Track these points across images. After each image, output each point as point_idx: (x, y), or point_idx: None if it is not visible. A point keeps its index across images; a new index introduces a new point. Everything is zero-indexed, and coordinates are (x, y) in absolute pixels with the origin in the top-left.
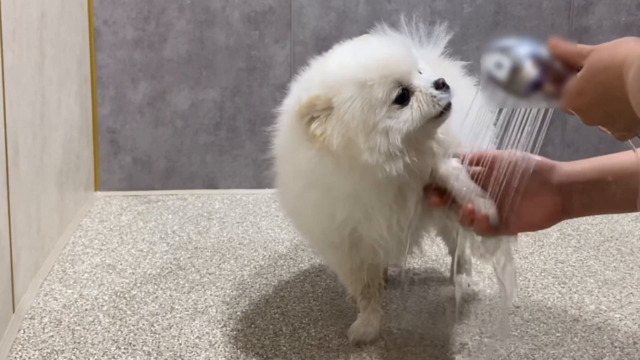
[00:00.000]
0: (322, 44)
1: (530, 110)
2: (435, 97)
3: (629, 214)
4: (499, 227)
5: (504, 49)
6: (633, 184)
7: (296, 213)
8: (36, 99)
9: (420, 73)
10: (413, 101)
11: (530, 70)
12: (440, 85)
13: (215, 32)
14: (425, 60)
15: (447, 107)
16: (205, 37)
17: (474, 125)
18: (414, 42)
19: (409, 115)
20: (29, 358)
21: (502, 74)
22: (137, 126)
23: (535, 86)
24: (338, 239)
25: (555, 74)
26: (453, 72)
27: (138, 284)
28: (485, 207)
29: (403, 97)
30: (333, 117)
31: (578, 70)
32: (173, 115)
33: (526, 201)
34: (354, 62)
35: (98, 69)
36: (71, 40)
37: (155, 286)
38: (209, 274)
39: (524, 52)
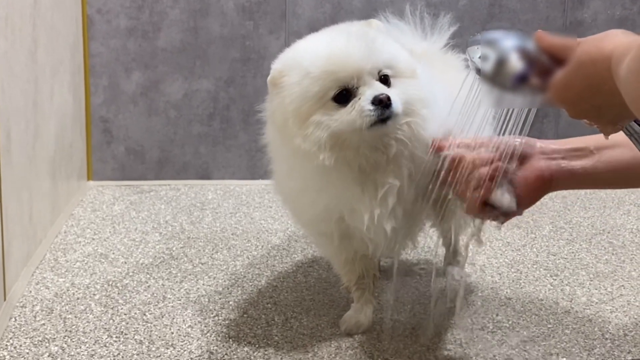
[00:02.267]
0: None
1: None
2: (364, 110)
3: (620, 207)
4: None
5: (490, 42)
6: (615, 155)
7: (285, 200)
8: (29, 87)
9: (385, 77)
10: (349, 105)
11: (515, 63)
12: (377, 102)
13: (209, 21)
14: (423, 54)
15: (379, 121)
16: (199, 27)
17: (464, 116)
18: (416, 33)
19: (341, 117)
20: (20, 346)
21: (488, 67)
22: (130, 116)
23: (521, 79)
24: (325, 227)
25: (542, 67)
26: (454, 65)
27: (130, 273)
28: (504, 197)
29: (342, 97)
30: (279, 96)
31: (564, 64)
32: (166, 105)
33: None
34: (312, 50)
35: (91, 57)
36: (64, 28)
37: (148, 275)
38: (202, 264)
39: (509, 44)
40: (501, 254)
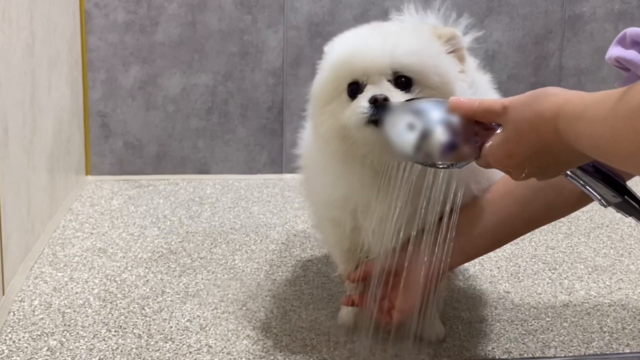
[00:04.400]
0: (315, 29)
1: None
2: (359, 107)
3: None
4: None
5: (416, 113)
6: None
7: (308, 176)
8: (26, 81)
9: (404, 80)
10: (355, 101)
11: (441, 134)
12: (373, 100)
13: (207, 15)
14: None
15: (371, 122)
16: (197, 21)
17: None
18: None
19: (347, 112)
20: (19, 340)
21: (412, 139)
22: (128, 110)
23: (451, 147)
24: (339, 215)
25: (466, 134)
26: (470, 67)
27: (129, 268)
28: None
29: (354, 92)
30: (315, 79)
31: (489, 127)
32: (164, 100)
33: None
34: (344, 40)
35: (89, 52)
36: (62, 22)
37: (146, 270)
38: (200, 258)
39: (434, 116)
40: (500, 248)
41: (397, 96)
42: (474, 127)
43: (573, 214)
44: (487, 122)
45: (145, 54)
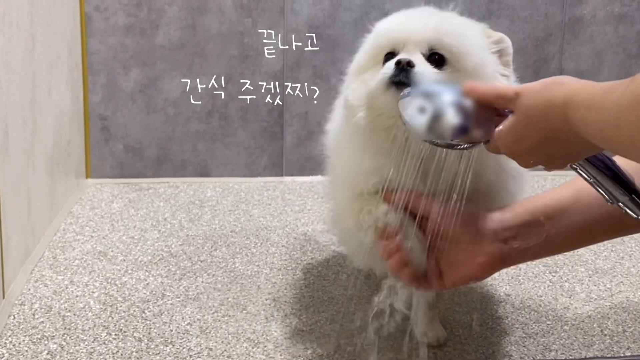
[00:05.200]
0: (316, 32)
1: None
2: (384, 70)
3: None
4: (431, 280)
5: (426, 95)
6: (565, 222)
7: (335, 148)
8: (26, 83)
9: (438, 58)
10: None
11: (452, 116)
12: (397, 63)
13: (207, 19)
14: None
15: (392, 83)
16: (197, 24)
17: None
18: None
19: (374, 79)
20: (19, 344)
21: (424, 120)
22: (128, 113)
23: (462, 131)
24: (366, 188)
25: (479, 118)
26: (512, 78)
27: (129, 271)
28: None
29: (387, 61)
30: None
31: (501, 113)
32: (165, 103)
33: (461, 252)
34: (392, 16)
35: (89, 55)
36: (62, 25)
37: (147, 273)
38: (201, 261)
39: (446, 98)
40: None
41: (424, 67)
42: (487, 112)
43: None
44: (500, 107)
45: (145, 57)
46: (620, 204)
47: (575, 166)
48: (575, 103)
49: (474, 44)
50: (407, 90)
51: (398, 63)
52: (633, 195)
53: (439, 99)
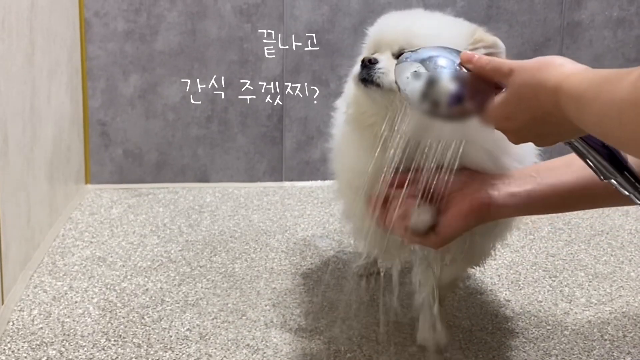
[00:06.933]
0: (315, 37)
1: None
2: (354, 70)
3: (618, 208)
4: (428, 234)
5: (423, 60)
6: (554, 179)
7: (337, 148)
8: (26, 89)
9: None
10: None
11: (448, 83)
12: (362, 61)
13: (207, 24)
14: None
15: (360, 81)
16: (197, 29)
17: None
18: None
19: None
20: (18, 350)
21: (418, 86)
22: (128, 119)
23: (457, 99)
24: (357, 182)
25: (473, 88)
26: None
27: (128, 277)
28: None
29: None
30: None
31: (497, 86)
32: (164, 108)
33: (452, 203)
34: (381, 18)
35: (89, 60)
36: (61, 31)
37: (146, 279)
38: (200, 267)
39: (443, 64)
40: (500, 255)
41: (386, 63)
42: (484, 85)
43: (573, 221)
44: (494, 81)
45: (145, 62)
46: (612, 180)
47: (568, 142)
48: (567, 91)
49: (447, 45)
50: (405, 55)
51: (362, 61)
52: (625, 172)
53: (435, 63)
